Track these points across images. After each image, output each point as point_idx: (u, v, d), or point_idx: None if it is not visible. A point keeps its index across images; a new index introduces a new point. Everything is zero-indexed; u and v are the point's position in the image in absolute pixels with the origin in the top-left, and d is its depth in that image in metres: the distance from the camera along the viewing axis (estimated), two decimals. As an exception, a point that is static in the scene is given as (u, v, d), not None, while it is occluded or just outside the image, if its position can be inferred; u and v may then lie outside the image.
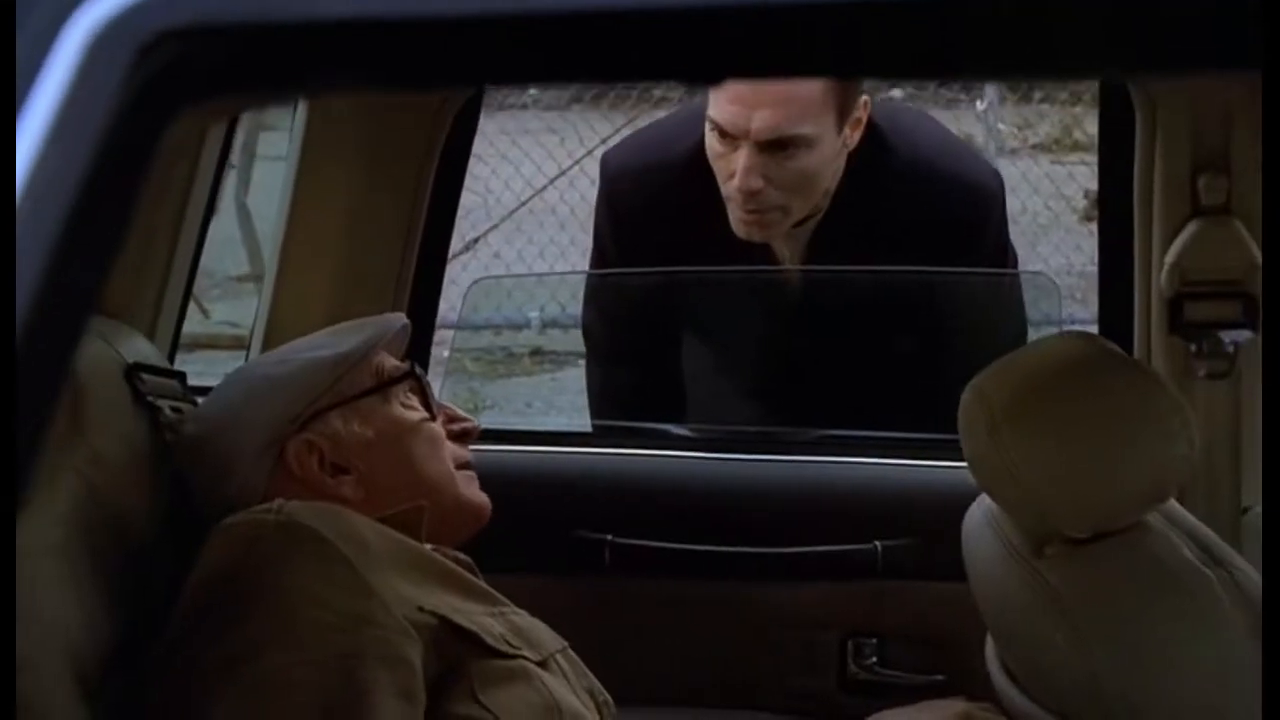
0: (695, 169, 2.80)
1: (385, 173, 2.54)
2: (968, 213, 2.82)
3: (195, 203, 2.46)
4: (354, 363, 2.13)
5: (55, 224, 0.77)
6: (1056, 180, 8.28)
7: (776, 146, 2.67)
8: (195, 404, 2.24)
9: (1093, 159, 6.57)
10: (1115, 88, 2.49)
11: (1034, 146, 9.12)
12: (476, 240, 7.15)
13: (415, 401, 2.16)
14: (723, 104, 2.67)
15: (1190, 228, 2.47)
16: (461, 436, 2.19)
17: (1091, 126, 8.37)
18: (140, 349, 2.24)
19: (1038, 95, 8.74)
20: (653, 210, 2.86)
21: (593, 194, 3.06)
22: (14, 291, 0.77)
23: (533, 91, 8.99)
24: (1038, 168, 8.50)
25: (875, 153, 2.78)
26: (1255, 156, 2.42)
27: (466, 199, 6.99)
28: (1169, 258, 2.47)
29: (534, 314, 7.33)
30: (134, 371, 2.14)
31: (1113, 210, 2.58)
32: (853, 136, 2.74)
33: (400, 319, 2.25)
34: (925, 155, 2.82)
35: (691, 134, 2.84)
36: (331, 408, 2.10)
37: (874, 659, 2.61)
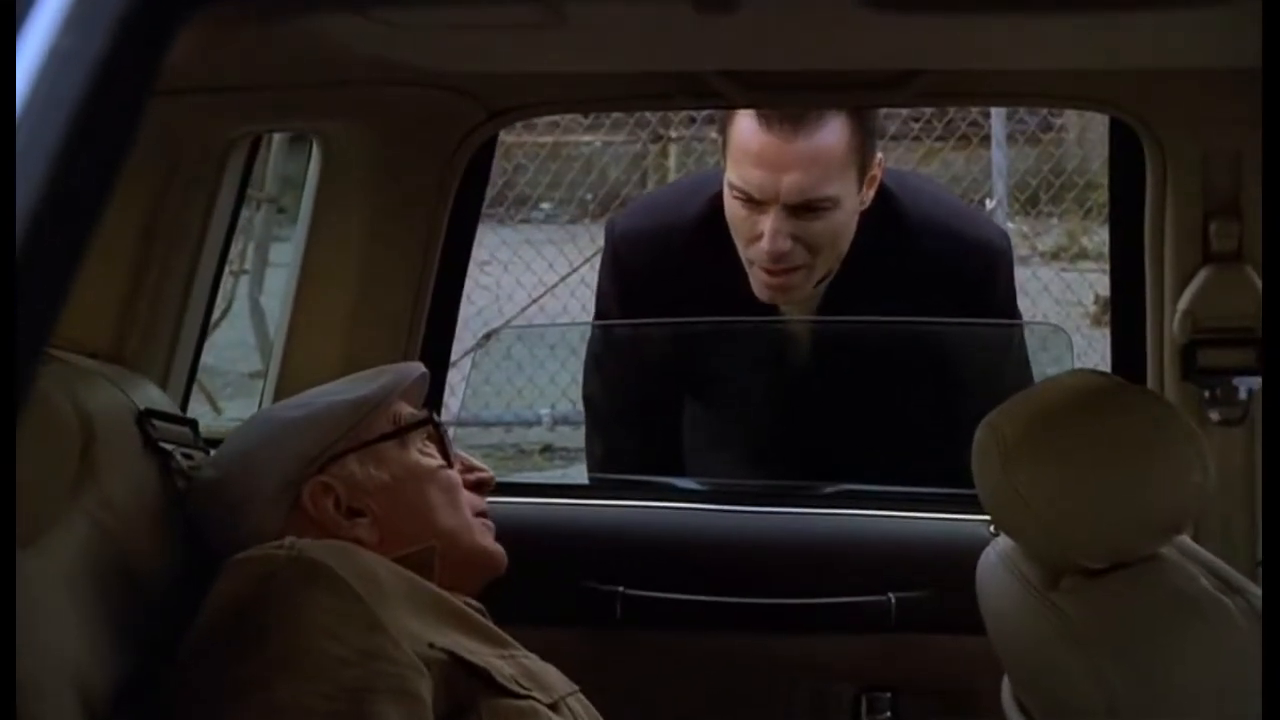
0: (703, 231, 2.81)
1: (398, 220, 2.55)
2: (977, 271, 2.83)
3: (209, 252, 2.47)
4: (371, 408, 2.14)
5: (62, 120, 0.76)
6: (1066, 283, 8.30)
7: (805, 209, 2.68)
8: (207, 451, 2.25)
9: (1101, 266, 6.58)
10: (1125, 132, 2.50)
11: (1042, 254, 9.15)
12: (488, 336, 7.15)
13: (432, 449, 2.18)
14: (748, 169, 2.68)
15: (1202, 274, 2.47)
16: (478, 486, 2.21)
17: (1099, 235, 8.43)
18: (152, 396, 2.24)
19: (1044, 199, 8.78)
20: (660, 272, 2.86)
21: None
22: (14, 194, 0.76)
23: (545, 205, 9.05)
24: (1048, 271, 8.52)
25: (886, 214, 2.79)
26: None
27: (479, 297, 7.06)
28: (1181, 304, 2.48)
29: (545, 411, 7.36)
30: (145, 418, 2.15)
31: (1125, 257, 2.58)
32: (868, 194, 2.76)
33: (418, 367, 2.27)
34: (934, 215, 2.83)
35: (697, 198, 2.86)
36: (348, 452, 2.12)
37: (888, 713, 2.58)
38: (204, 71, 1.98)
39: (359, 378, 2.23)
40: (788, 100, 2.53)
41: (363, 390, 2.17)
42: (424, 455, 2.16)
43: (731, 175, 2.71)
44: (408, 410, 2.19)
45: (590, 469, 3.06)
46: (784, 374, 2.90)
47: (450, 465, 2.18)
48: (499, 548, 2.17)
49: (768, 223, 2.68)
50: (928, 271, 2.78)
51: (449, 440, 2.21)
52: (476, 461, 2.25)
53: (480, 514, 2.18)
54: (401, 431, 2.16)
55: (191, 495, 2.14)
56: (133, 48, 0.77)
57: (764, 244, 2.68)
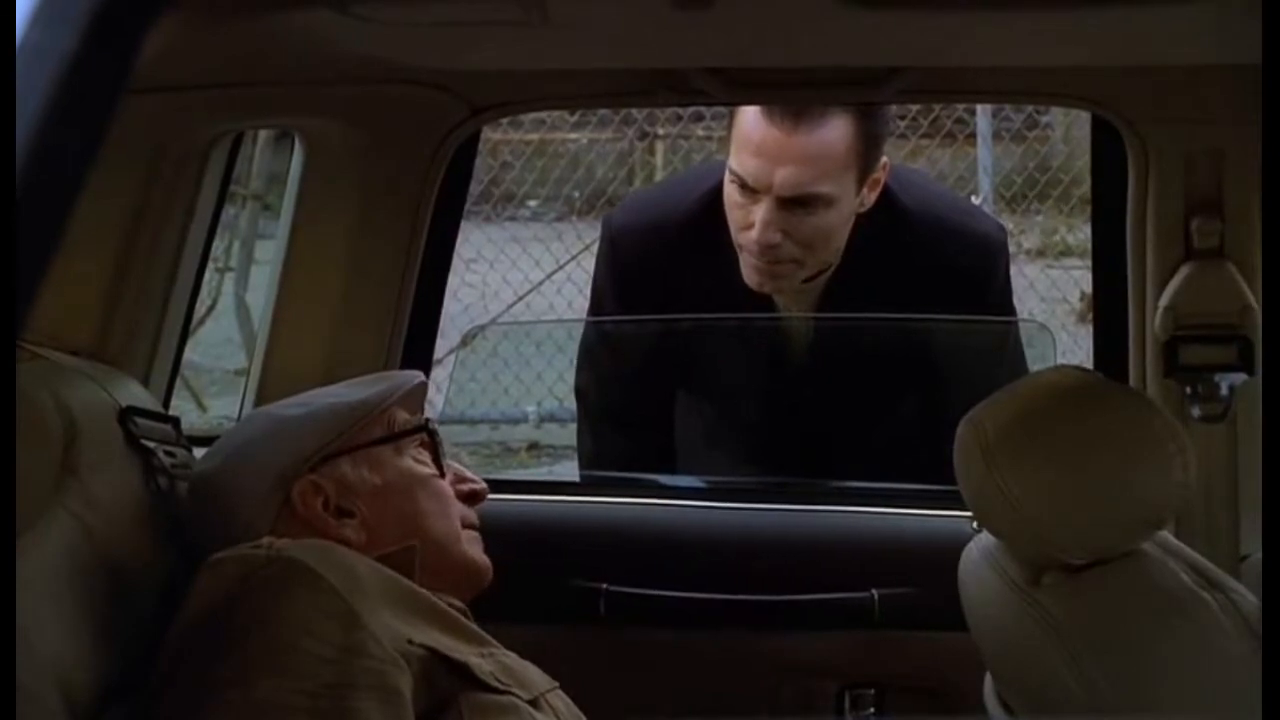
0: (700, 226, 2.81)
1: (381, 217, 2.54)
2: (976, 263, 2.84)
3: (192, 249, 2.47)
4: (369, 411, 2.15)
5: (33, 115, 0.76)
6: (1052, 280, 8.30)
7: (797, 203, 2.68)
8: (189, 449, 2.25)
9: (1085, 263, 6.59)
10: (1108, 130, 2.51)
11: (1027, 251, 9.16)
12: (474, 334, 7.16)
13: (426, 457, 2.19)
14: (746, 157, 2.69)
15: (1183, 271, 2.48)
16: (470, 498, 2.21)
17: (1084, 232, 8.43)
18: (134, 393, 2.24)
19: (1029, 196, 8.79)
20: (657, 265, 2.87)
21: (589, 290, 3.06)
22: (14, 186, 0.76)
23: (532, 203, 9.05)
24: (1033, 268, 8.53)
25: (884, 208, 2.79)
26: (1248, 199, 2.44)
27: (465, 295, 7.05)
28: (1163, 301, 2.48)
29: (531, 409, 7.36)
30: (127, 415, 2.14)
31: (1107, 254, 2.58)
32: (869, 197, 2.76)
33: (418, 376, 2.28)
34: (932, 209, 2.84)
35: (694, 192, 2.86)
36: (342, 453, 2.13)
37: (871, 709, 2.59)
38: (186, 68, 1.97)
39: (359, 382, 2.24)
40: (770, 97, 2.53)
41: (362, 394, 2.18)
42: (417, 462, 2.17)
43: (732, 161, 2.73)
44: (404, 416, 2.20)
45: (581, 463, 3.07)
46: (779, 370, 2.90)
47: (443, 475, 2.19)
48: (486, 561, 2.17)
49: (759, 213, 2.69)
50: (927, 265, 2.79)
51: (443, 450, 2.22)
52: (470, 473, 2.25)
53: (470, 526, 2.19)
54: (396, 436, 2.16)
55: (189, 487, 2.15)
56: (104, 43, 0.77)
57: (754, 234, 2.70)
